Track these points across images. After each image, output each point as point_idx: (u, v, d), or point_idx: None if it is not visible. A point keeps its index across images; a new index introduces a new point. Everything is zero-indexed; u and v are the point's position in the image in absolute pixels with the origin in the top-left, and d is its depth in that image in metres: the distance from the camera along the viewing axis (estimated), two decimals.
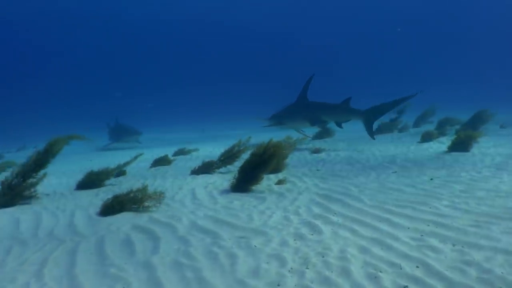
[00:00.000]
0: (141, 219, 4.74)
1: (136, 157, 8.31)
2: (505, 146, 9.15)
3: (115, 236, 4.15)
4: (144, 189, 5.17)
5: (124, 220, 4.75)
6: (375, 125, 11.28)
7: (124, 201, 5.00)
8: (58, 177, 8.48)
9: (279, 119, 11.37)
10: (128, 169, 8.21)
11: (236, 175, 5.95)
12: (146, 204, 5.08)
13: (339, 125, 10.53)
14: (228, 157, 7.50)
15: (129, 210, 5.07)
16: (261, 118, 11.98)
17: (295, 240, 3.75)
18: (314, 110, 10.72)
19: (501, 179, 5.73)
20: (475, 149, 8.65)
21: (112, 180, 7.38)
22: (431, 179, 6.02)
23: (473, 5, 67.61)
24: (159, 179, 7.40)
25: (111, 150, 15.48)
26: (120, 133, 16.13)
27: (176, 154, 11.47)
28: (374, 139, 10.72)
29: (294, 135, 11.34)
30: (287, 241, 3.71)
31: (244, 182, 5.81)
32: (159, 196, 5.14)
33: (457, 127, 13.36)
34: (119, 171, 7.68)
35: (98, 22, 66.97)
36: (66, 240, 4.11)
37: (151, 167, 9.18)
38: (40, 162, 5.63)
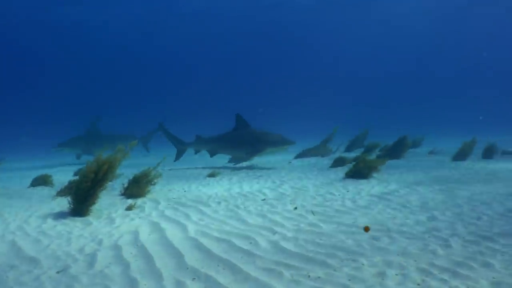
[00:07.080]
0: None
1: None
2: (413, 174, 8.95)
3: None
4: None
5: None
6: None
7: None
8: None
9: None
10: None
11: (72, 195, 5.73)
12: None
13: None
14: None
15: None
16: None
17: (58, 272, 3.53)
18: None
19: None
20: (378, 176, 8.51)
21: None
22: (295, 208, 5.84)
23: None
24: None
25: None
26: None
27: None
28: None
29: None
30: (47, 274, 3.46)
31: (79, 202, 5.63)
32: None
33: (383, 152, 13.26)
34: None
35: None
36: None
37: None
38: None
